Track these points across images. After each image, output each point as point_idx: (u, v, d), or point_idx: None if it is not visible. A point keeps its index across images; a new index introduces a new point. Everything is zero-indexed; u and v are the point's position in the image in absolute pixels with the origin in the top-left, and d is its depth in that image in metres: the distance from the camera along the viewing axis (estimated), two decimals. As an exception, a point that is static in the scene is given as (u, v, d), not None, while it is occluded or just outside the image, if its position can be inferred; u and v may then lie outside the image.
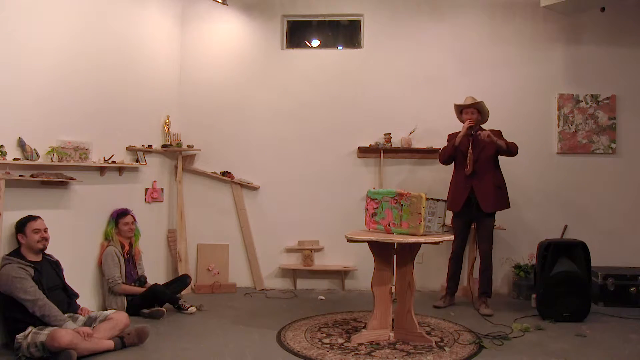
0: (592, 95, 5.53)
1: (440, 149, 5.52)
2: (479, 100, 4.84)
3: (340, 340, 3.80)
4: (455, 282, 4.99)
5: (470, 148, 4.75)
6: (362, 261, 5.41)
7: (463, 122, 4.88)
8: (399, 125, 5.60)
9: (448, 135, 5.01)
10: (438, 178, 5.50)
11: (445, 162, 4.96)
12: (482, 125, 4.90)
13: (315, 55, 5.87)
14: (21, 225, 3.54)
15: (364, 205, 3.99)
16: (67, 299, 3.72)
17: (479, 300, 4.80)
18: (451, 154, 4.85)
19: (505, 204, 4.84)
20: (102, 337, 3.47)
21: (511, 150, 4.74)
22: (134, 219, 4.73)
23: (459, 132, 4.86)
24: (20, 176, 3.62)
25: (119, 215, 4.64)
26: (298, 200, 5.72)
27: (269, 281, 5.72)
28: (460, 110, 4.92)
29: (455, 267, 4.96)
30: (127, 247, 4.65)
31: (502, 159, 4.89)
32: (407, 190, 3.77)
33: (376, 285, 3.82)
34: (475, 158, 4.73)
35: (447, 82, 5.60)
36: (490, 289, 4.82)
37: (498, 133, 4.84)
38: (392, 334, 3.83)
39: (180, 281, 4.93)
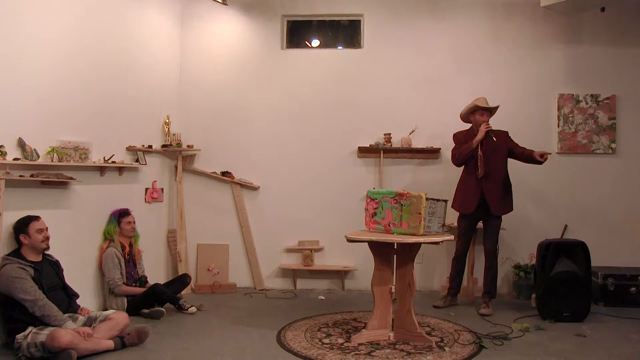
0: (592, 95, 5.53)
1: (439, 148, 5.54)
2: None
3: (340, 340, 3.80)
4: (459, 283, 4.97)
5: (480, 151, 4.70)
6: (362, 261, 5.41)
7: (470, 120, 4.86)
8: (399, 125, 5.60)
9: (454, 135, 4.93)
10: (438, 178, 5.52)
11: (461, 164, 4.83)
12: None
13: (315, 55, 5.87)
14: (23, 226, 3.53)
15: (364, 205, 3.99)
16: (67, 299, 3.72)
17: (481, 299, 4.79)
18: (469, 156, 4.71)
19: (511, 206, 4.86)
20: (102, 337, 3.47)
21: None
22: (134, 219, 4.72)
23: (466, 130, 4.84)
24: (20, 176, 3.62)
25: (121, 215, 4.62)
26: (298, 200, 5.72)
27: (269, 281, 5.72)
28: (473, 110, 4.80)
29: (458, 267, 4.95)
30: (127, 248, 4.64)
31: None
32: (407, 190, 3.77)
33: (376, 285, 3.82)
34: (487, 160, 4.70)
35: (447, 82, 5.61)
36: (495, 289, 4.81)
37: (505, 134, 4.83)
38: (392, 334, 3.83)
39: (180, 281, 4.93)
